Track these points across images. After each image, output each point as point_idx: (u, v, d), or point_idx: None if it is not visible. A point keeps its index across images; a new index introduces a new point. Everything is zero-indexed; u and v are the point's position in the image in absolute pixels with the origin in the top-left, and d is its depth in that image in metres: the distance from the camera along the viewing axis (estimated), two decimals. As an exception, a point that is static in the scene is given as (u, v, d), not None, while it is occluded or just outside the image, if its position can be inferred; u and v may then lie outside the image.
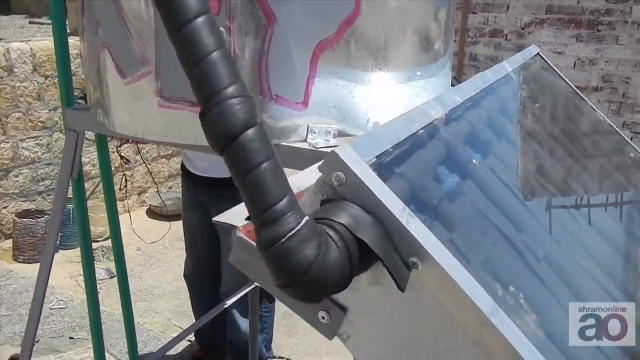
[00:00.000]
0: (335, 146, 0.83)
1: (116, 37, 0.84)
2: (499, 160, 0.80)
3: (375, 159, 0.52)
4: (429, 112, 0.65)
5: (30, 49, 4.66)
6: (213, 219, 0.56)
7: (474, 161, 0.72)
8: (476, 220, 0.66)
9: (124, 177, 3.98)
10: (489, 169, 0.75)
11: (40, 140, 4.84)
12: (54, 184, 4.87)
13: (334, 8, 0.79)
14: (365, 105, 0.86)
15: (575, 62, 4.18)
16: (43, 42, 4.88)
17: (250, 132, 0.45)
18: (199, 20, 0.45)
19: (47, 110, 4.92)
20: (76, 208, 1.70)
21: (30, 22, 8.38)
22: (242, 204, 0.48)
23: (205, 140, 0.44)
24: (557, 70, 1.40)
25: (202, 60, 0.45)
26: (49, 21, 8.83)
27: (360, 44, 0.80)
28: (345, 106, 0.83)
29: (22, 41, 4.88)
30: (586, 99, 1.36)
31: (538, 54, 1.37)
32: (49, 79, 4.97)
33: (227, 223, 0.54)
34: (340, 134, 0.84)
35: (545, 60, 1.38)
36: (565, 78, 1.42)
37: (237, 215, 0.55)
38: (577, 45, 4.14)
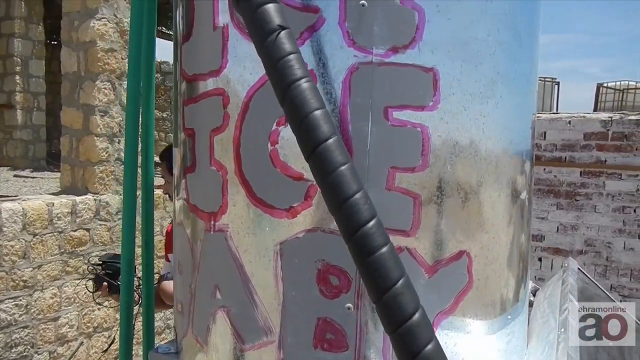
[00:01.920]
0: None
1: (239, 304, 0.86)
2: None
3: None
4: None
5: (22, 208, 4.64)
6: None
7: None
8: None
9: None
10: None
11: (20, 300, 4.62)
12: (27, 349, 4.55)
13: (449, 282, 0.84)
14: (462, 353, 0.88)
15: (558, 227, 4.40)
16: (36, 201, 4.88)
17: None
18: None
19: (30, 269, 4.77)
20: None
21: (14, 176, 8.45)
22: None
23: None
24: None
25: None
26: (33, 175, 8.90)
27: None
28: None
29: (15, 200, 4.88)
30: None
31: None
32: (37, 236, 4.89)
33: None
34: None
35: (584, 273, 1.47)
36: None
37: None
38: (558, 212, 4.39)
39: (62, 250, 4.99)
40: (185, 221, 0.98)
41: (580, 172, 4.32)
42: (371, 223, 0.52)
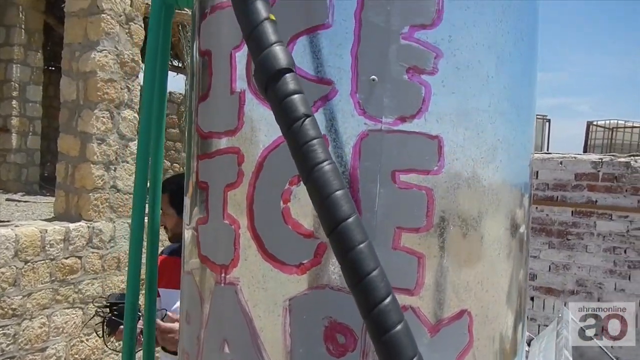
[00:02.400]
0: None
1: (247, 359, 0.88)
2: None
3: None
4: None
5: (15, 235, 4.62)
6: None
7: None
8: None
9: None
10: None
11: (8, 329, 4.56)
12: (13, 381, 4.47)
13: (450, 341, 0.88)
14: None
15: (550, 266, 4.43)
16: (29, 228, 4.87)
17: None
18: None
19: (20, 297, 4.72)
20: None
21: (7, 200, 8.41)
22: None
23: None
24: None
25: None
26: (26, 199, 8.86)
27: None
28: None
29: (8, 226, 4.86)
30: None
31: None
32: (29, 263, 4.86)
33: None
34: None
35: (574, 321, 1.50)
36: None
37: None
38: (550, 251, 4.43)
39: (53, 278, 4.95)
40: (195, 271, 1.01)
41: (572, 211, 4.39)
42: (387, 300, 0.55)
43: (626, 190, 4.18)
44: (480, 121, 0.88)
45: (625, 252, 4.30)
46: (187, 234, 1.08)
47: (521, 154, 0.99)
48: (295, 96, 0.58)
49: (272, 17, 0.63)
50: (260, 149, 0.88)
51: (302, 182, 0.78)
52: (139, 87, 5.81)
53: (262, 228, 0.88)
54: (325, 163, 0.58)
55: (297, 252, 0.86)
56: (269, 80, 0.59)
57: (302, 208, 0.85)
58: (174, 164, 13.06)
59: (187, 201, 1.09)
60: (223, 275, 0.93)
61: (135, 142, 5.34)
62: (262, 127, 0.87)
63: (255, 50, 0.60)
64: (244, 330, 0.89)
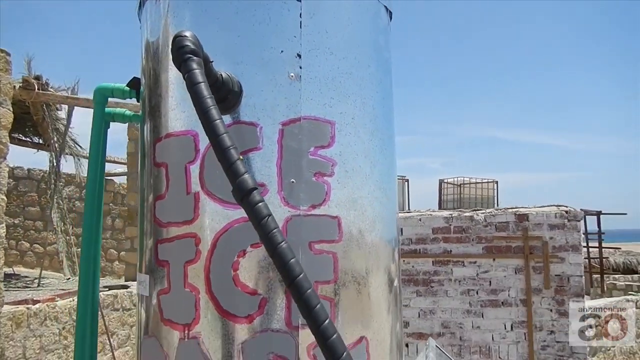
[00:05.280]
0: None
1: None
2: None
3: None
4: None
5: None
6: None
7: None
8: None
9: None
10: None
11: None
12: None
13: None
14: None
15: (419, 313, 5.02)
16: None
17: None
18: None
19: None
20: None
21: None
22: None
23: None
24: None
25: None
26: None
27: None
28: None
29: None
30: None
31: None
32: None
33: None
34: None
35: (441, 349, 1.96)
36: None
37: None
38: (418, 299, 5.04)
39: None
40: (158, 333, 1.28)
41: (432, 261, 5.08)
42: (327, 322, 0.91)
43: (472, 240, 4.97)
44: (363, 204, 1.31)
45: (477, 293, 5.03)
46: (144, 306, 1.34)
47: (391, 221, 1.44)
48: (261, 204, 0.95)
49: (241, 158, 1.00)
50: (214, 233, 1.21)
51: (247, 255, 1.14)
52: (7, 169, 5.62)
53: (218, 292, 1.20)
54: (282, 242, 0.93)
55: (246, 307, 1.19)
56: (244, 196, 0.94)
57: (248, 274, 1.19)
58: (34, 245, 12.13)
59: (142, 277, 1.36)
60: (186, 332, 1.22)
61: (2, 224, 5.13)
62: (214, 217, 1.21)
63: (232, 178, 0.95)
64: (208, 372, 1.18)
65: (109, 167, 10.22)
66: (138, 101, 1.54)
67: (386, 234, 1.40)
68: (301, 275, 0.92)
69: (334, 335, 0.91)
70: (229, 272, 1.19)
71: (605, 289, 16.50)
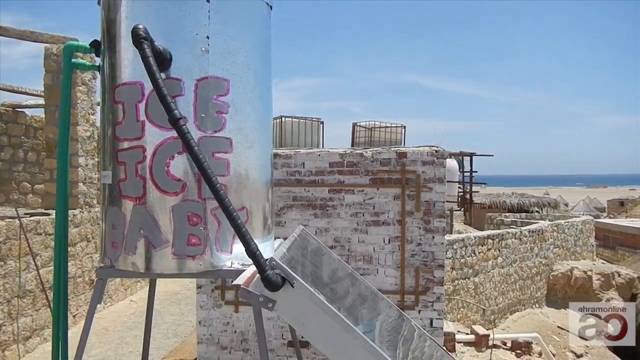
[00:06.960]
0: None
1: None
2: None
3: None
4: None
5: None
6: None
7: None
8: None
9: None
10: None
11: None
12: None
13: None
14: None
15: (316, 231, 6.04)
16: None
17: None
18: None
19: None
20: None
21: None
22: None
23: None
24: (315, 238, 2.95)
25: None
26: None
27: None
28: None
29: None
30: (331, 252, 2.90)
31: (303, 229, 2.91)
32: None
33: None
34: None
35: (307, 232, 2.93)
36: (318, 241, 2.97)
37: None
38: (316, 220, 6.04)
39: None
40: (119, 204, 2.10)
41: (328, 190, 6.07)
42: (223, 192, 1.77)
43: (362, 173, 5.97)
44: (247, 131, 2.18)
45: (363, 215, 6.09)
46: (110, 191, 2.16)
47: (266, 142, 2.32)
48: (184, 127, 1.80)
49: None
50: (155, 144, 2.04)
51: (175, 158, 1.99)
52: None
53: (157, 179, 2.04)
54: (198, 150, 1.79)
55: (174, 187, 2.04)
56: (175, 122, 1.78)
57: (175, 169, 2.04)
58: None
59: (106, 173, 2.16)
60: (137, 202, 2.06)
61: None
62: (155, 136, 2.03)
63: (168, 111, 1.79)
64: (154, 225, 2.03)
65: (18, 98, 9.84)
66: (97, 56, 2.28)
67: (263, 151, 2.29)
68: (210, 170, 1.79)
69: (227, 199, 1.79)
70: (164, 168, 2.04)
71: (496, 224, 18.95)
